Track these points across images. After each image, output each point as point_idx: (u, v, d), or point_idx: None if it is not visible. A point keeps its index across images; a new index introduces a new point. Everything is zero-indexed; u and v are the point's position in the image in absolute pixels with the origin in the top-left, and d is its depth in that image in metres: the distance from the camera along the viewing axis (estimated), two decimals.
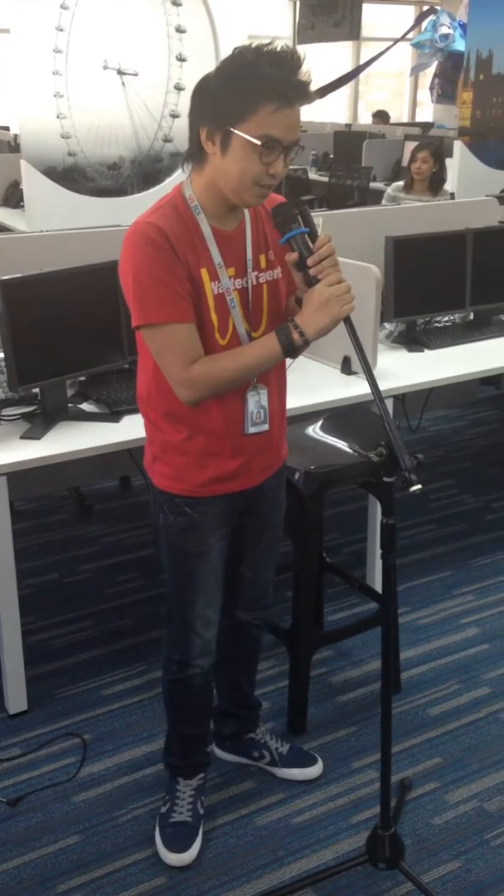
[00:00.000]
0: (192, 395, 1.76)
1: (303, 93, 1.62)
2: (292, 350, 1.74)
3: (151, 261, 1.68)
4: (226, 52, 1.66)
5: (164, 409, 1.84)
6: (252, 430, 1.88)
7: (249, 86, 1.59)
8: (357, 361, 2.89)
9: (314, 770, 2.33)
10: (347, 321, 1.70)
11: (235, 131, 1.62)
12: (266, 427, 1.90)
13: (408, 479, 1.61)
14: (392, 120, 11.53)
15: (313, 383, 2.87)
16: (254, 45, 1.63)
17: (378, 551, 2.98)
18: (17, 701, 2.54)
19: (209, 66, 1.65)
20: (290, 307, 1.90)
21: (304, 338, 1.71)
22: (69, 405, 2.68)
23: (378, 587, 2.91)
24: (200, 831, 2.14)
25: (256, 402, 1.86)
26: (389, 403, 2.93)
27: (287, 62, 1.60)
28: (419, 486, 1.60)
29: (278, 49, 1.61)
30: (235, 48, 1.65)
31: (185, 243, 1.71)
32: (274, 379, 1.90)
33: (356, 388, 2.83)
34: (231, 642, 2.18)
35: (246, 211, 1.81)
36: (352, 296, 1.69)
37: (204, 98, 1.66)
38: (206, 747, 2.23)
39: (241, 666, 2.29)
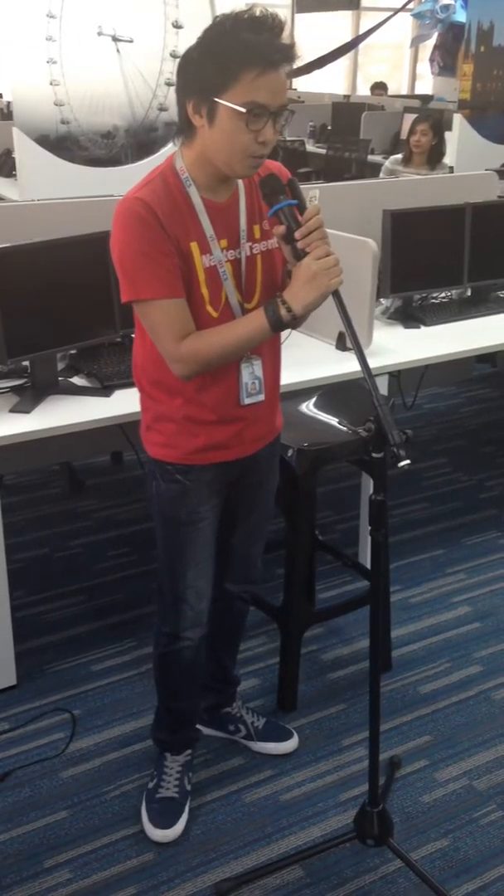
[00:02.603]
0: (184, 370, 1.76)
1: (285, 55, 1.59)
2: (280, 325, 1.72)
3: (139, 237, 1.67)
4: None
5: (156, 377, 1.85)
6: (248, 400, 1.88)
7: (230, 53, 1.57)
8: None
9: (289, 744, 2.34)
10: (336, 295, 1.67)
11: (220, 101, 1.59)
12: (262, 397, 1.90)
13: (395, 454, 1.58)
14: (391, 92, 11.40)
15: (307, 359, 2.83)
16: (233, 12, 1.60)
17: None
18: (5, 675, 2.53)
19: None
20: (284, 279, 1.87)
21: (292, 313, 1.69)
22: (59, 379, 2.65)
23: (370, 565, 2.90)
24: (187, 807, 2.14)
25: (251, 373, 1.86)
26: (385, 380, 2.90)
27: (267, 26, 1.58)
28: (407, 462, 1.58)
29: (257, 14, 1.58)
30: (215, 17, 1.62)
31: (173, 217, 1.69)
32: (267, 349, 1.89)
33: (351, 364, 2.80)
34: (216, 614, 2.17)
35: (239, 181, 1.78)
36: (340, 269, 1.66)
37: (188, 71, 1.65)
38: (194, 723, 2.23)
39: (225, 639, 2.28)
